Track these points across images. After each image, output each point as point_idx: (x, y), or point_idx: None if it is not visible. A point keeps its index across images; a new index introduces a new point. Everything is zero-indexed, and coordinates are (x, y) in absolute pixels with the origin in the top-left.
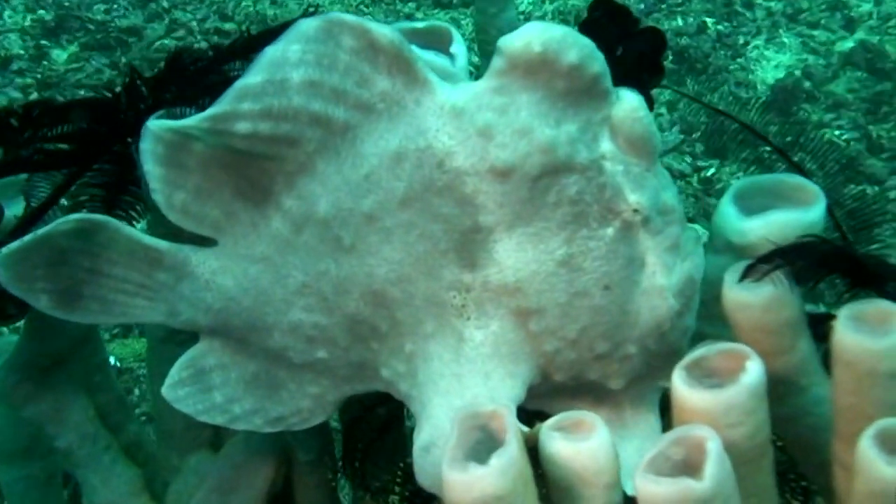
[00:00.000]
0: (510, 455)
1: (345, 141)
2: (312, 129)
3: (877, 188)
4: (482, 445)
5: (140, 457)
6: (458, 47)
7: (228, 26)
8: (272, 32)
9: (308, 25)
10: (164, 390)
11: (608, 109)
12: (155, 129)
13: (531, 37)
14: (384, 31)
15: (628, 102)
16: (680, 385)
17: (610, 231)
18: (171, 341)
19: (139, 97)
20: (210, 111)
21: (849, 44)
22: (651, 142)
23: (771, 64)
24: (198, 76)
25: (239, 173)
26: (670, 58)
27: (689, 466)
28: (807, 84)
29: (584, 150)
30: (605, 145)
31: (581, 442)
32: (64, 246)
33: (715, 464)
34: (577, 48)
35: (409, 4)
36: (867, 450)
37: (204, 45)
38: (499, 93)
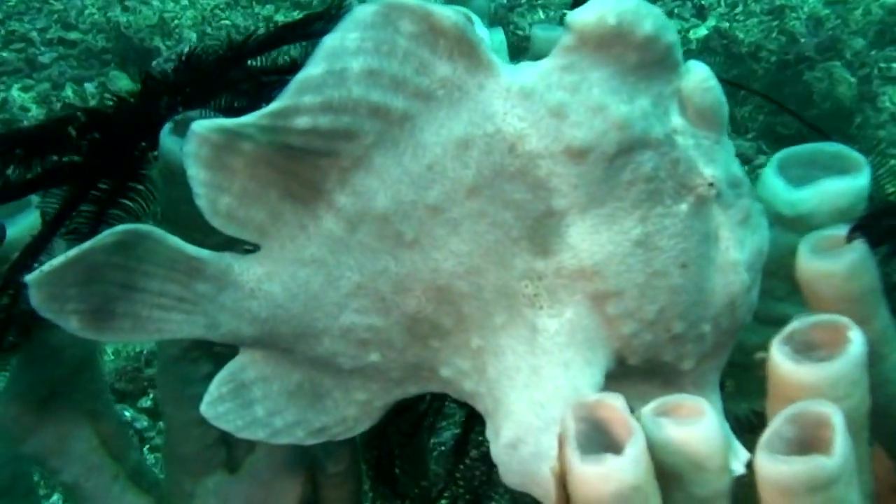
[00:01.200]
0: (642, 444)
1: (403, 131)
2: (371, 121)
3: (745, 167)
4: (584, 437)
5: (143, 484)
6: (481, 31)
7: (73, 35)
8: (292, 27)
9: (365, 11)
10: (204, 408)
11: (678, 81)
12: (201, 130)
13: (604, 10)
14: (447, 14)
15: (698, 73)
16: (783, 360)
17: (684, 207)
18: (185, 359)
19: (161, 102)
20: (270, 107)
21: (702, 31)
22: (721, 112)
23: None
24: (215, 75)
25: (288, 172)
26: None
27: (804, 444)
28: None
29: (657, 125)
30: (676, 119)
31: (692, 426)
32: (101, 262)
33: (842, 438)
34: (652, 18)
35: (268, 7)
36: None
37: (51, 56)
38: (568, 70)
